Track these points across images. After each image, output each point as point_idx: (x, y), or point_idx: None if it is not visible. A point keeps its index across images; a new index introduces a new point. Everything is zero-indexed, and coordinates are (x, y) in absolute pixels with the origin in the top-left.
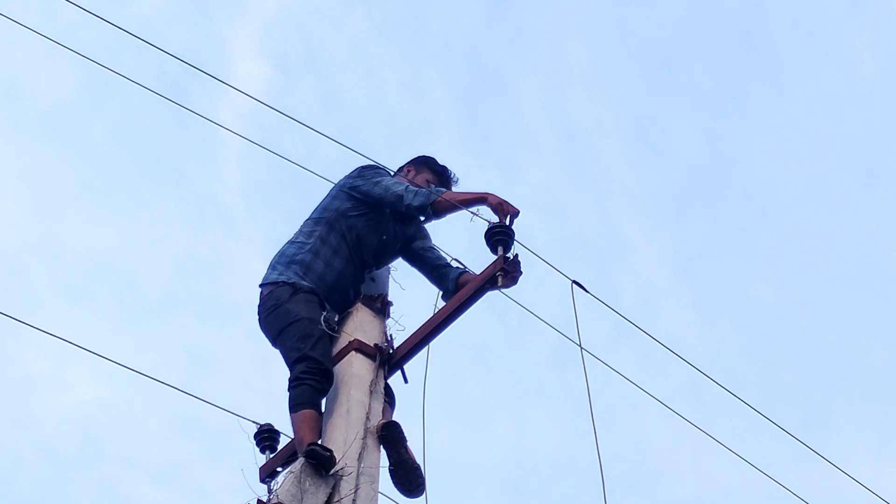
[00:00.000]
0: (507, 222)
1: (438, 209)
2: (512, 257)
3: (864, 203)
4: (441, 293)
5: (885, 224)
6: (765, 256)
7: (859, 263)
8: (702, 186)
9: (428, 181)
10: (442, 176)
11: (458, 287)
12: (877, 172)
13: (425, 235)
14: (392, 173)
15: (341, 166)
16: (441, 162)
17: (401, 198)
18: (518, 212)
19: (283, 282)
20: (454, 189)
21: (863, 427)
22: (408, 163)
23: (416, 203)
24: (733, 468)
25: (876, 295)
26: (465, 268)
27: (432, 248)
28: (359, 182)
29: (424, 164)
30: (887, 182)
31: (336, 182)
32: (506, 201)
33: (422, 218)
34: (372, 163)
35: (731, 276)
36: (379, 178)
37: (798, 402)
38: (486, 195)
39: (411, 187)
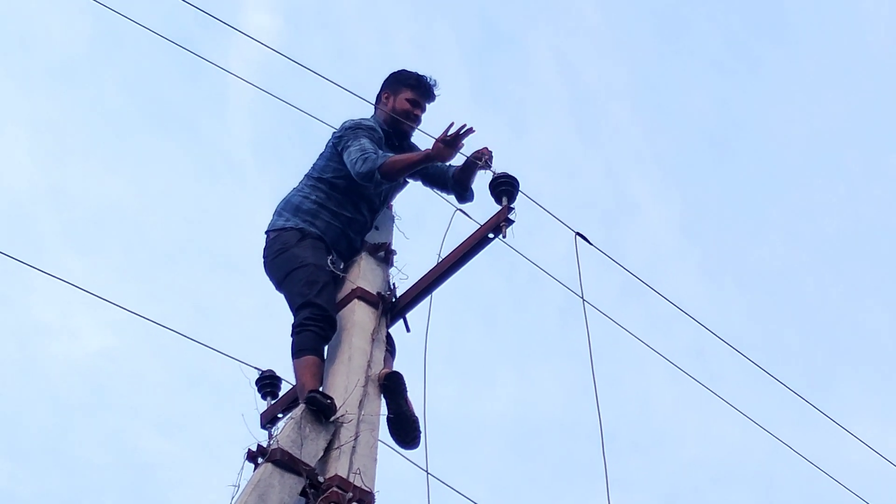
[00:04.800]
0: (480, 160)
1: (386, 173)
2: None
3: (871, 167)
4: (450, 192)
5: (891, 188)
6: (772, 219)
7: (865, 227)
8: (711, 148)
9: (408, 99)
10: (418, 87)
11: (456, 180)
12: (885, 137)
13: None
14: (374, 106)
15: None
16: (412, 71)
17: (352, 168)
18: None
19: (292, 227)
20: (436, 93)
21: (866, 388)
22: (381, 89)
23: (363, 170)
24: (737, 428)
25: (881, 258)
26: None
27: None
28: (340, 151)
29: (397, 83)
30: (894, 147)
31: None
32: (451, 136)
33: (372, 183)
34: (350, 122)
35: (738, 238)
36: (348, 146)
37: (802, 363)
38: (429, 150)
39: (364, 154)
